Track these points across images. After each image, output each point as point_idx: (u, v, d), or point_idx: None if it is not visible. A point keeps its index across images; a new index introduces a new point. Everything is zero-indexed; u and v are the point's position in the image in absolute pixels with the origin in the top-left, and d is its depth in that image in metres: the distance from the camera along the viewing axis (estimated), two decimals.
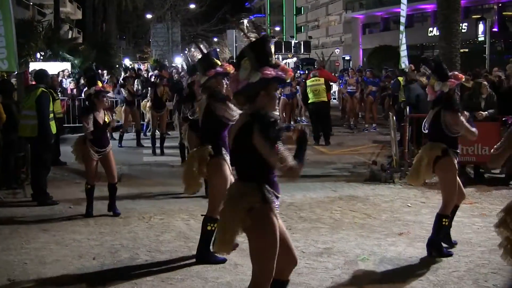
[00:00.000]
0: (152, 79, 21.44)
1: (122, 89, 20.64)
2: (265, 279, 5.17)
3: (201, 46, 8.36)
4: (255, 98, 5.16)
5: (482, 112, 12.67)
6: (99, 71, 27.66)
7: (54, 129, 12.01)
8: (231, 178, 7.68)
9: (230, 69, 7.98)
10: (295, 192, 12.22)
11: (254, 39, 5.30)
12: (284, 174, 5.15)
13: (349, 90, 24.71)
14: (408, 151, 13.52)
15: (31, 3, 46.80)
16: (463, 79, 8.80)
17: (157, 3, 58.09)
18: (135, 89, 23.27)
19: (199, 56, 8.25)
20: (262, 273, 5.17)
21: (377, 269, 7.63)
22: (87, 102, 10.75)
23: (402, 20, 18.25)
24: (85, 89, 11.36)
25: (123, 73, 26.79)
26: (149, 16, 61.96)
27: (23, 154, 13.09)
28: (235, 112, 7.31)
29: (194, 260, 8.04)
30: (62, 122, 16.85)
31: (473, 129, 8.25)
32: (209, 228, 7.85)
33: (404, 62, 18.62)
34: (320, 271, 7.62)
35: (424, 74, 18.40)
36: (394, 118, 14.74)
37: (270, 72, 5.11)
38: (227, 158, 7.75)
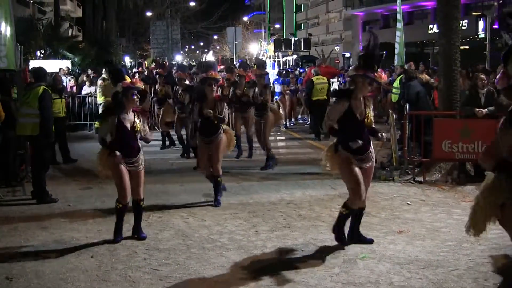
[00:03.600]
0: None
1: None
2: None
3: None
4: None
5: (482, 110, 12.65)
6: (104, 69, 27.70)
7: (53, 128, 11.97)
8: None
9: (382, 79, 8.13)
10: (294, 189, 12.22)
11: None
12: None
13: None
14: (408, 148, 13.49)
15: (31, 1, 46.79)
16: None
17: (156, 0, 58.14)
18: None
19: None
20: None
21: (376, 267, 7.60)
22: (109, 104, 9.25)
23: (399, 17, 18.17)
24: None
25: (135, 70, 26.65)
26: (149, 13, 61.96)
27: (22, 152, 13.06)
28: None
29: (192, 258, 8.03)
30: (64, 120, 16.76)
31: None
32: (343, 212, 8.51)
33: (396, 60, 18.57)
34: (319, 269, 7.59)
35: (423, 71, 18.37)
36: (394, 115, 14.70)
37: None
38: None
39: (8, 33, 13.49)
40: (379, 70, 8.07)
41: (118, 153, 8.62)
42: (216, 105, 10.92)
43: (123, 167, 8.73)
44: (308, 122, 23.71)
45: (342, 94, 8.26)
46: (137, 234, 9.01)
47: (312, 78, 21.15)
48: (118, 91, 8.73)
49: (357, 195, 8.26)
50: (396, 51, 18.14)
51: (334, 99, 8.40)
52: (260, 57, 52.28)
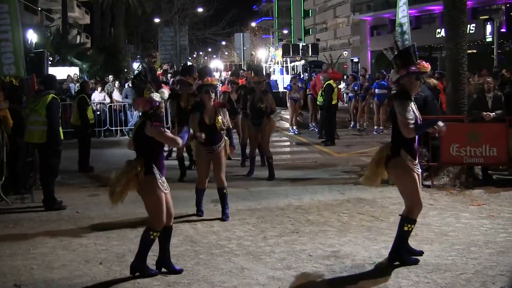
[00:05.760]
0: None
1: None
2: None
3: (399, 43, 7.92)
4: None
5: (490, 113, 12.65)
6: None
7: (61, 136, 11.96)
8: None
9: (425, 68, 7.76)
10: (302, 195, 12.22)
11: None
12: None
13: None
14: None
15: (39, 9, 46.98)
16: None
17: (165, 7, 58.21)
18: None
19: None
20: None
21: (384, 272, 7.59)
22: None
23: (403, 20, 18.04)
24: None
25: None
26: (157, 20, 62.07)
27: (30, 159, 13.10)
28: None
29: (200, 264, 8.04)
30: (93, 127, 17.11)
31: None
32: (405, 228, 7.84)
33: None
34: (327, 274, 7.59)
35: (430, 75, 18.35)
36: None
37: None
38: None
39: (17, 40, 13.55)
40: (418, 60, 7.81)
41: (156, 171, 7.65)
42: (217, 113, 10.40)
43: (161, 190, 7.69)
44: (317, 129, 23.44)
45: (405, 96, 7.76)
46: (170, 266, 7.89)
47: (329, 82, 20.91)
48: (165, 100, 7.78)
49: (419, 204, 7.86)
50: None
51: (398, 101, 7.77)
52: (268, 63, 52.30)
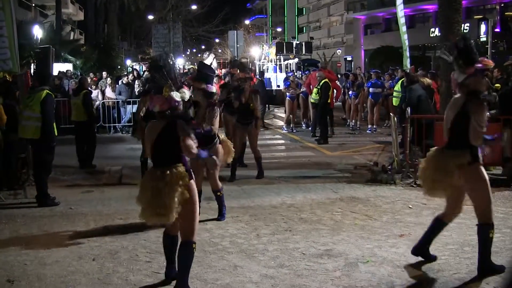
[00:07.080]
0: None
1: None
2: None
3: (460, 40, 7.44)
4: None
5: None
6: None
7: (55, 132, 11.92)
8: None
9: (490, 64, 7.32)
10: (295, 193, 12.21)
11: None
12: None
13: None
14: (410, 152, 13.47)
15: (33, 5, 46.85)
16: None
17: (158, 4, 58.16)
18: (136, 91, 23.25)
19: None
20: None
21: (377, 271, 7.60)
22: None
23: (402, 21, 18.05)
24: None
25: (130, 76, 26.39)
26: (150, 17, 61.98)
27: (24, 155, 13.06)
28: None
29: (193, 261, 8.02)
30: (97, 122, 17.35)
31: None
32: (490, 235, 7.42)
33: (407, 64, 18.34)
34: (320, 272, 7.58)
35: (424, 75, 18.33)
36: (396, 119, 14.68)
37: None
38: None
39: (11, 36, 13.50)
40: (480, 57, 7.39)
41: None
42: (207, 112, 9.84)
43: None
44: (311, 127, 23.28)
45: (481, 98, 7.34)
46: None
47: (326, 80, 20.70)
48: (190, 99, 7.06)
49: (491, 207, 7.52)
50: (407, 53, 18.04)
51: (478, 104, 7.29)
52: (262, 61, 52.28)
